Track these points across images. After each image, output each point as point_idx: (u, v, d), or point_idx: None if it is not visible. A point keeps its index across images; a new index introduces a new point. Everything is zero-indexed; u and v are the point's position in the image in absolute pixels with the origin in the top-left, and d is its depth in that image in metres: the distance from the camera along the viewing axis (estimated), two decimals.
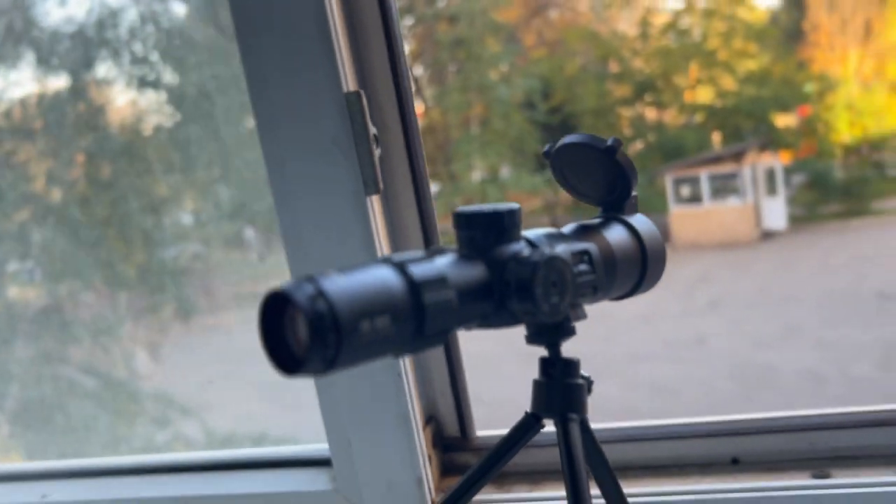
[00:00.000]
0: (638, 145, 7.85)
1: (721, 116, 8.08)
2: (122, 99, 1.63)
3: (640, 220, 0.53)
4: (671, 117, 8.21)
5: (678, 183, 7.38)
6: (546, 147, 0.53)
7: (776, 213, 6.86)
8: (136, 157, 1.60)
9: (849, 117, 7.43)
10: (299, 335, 0.38)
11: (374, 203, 0.66)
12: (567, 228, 0.51)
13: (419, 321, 0.41)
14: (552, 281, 0.45)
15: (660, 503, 0.66)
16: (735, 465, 0.69)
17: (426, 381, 0.76)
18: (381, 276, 0.40)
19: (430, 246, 0.65)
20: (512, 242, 0.46)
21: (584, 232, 0.51)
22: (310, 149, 0.63)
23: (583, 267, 0.48)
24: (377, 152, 0.64)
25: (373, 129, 0.63)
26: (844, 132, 7.50)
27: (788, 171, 7.47)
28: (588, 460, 0.52)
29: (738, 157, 7.14)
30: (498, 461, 0.54)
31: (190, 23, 1.54)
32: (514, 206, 0.46)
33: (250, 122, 1.54)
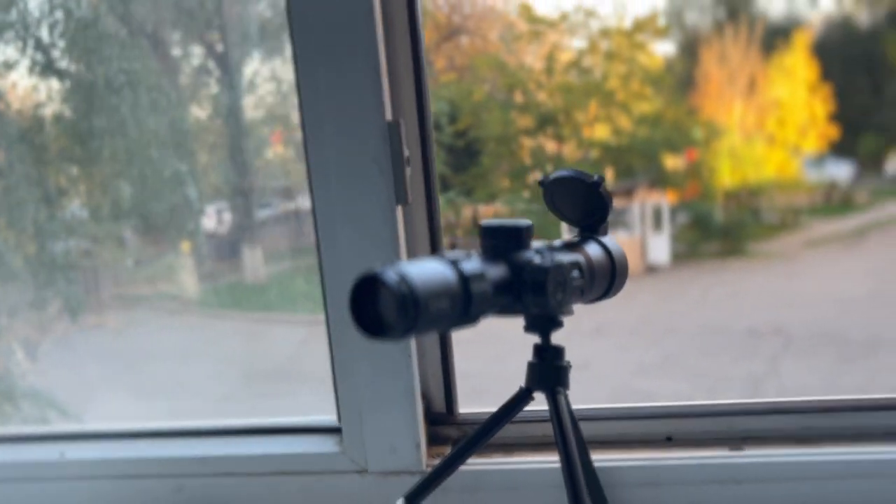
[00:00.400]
0: (537, 175, 8.06)
1: (615, 154, 8.42)
2: (23, 84, 1.59)
3: (610, 241, 0.68)
4: (569, 151, 8.50)
5: None
6: (541, 178, 0.68)
7: (660, 248, 7.22)
8: (34, 145, 1.55)
9: (731, 164, 7.93)
10: (384, 309, 0.50)
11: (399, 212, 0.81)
12: (557, 244, 0.64)
13: (466, 305, 0.52)
14: (559, 282, 0.57)
15: (611, 468, 0.82)
16: (669, 441, 0.85)
17: (421, 362, 0.88)
18: (442, 270, 0.52)
19: (437, 249, 0.84)
20: (526, 250, 0.58)
21: (570, 247, 0.64)
22: (353, 165, 0.78)
23: (576, 273, 0.60)
24: (408, 171, 0.79)
25: (406, 152, 0.79)
26: (726, 178, 7.99)
27: (674, 210, 7.87)
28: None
29: (628, 193, 7.49)
30: (495, 426, 0.70)
31: (101, 15, 1.52)
32: (529, 222, 0.59)
33: (157, 121, 1.52)
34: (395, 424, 0.83)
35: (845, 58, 10.32)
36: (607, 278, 0.66)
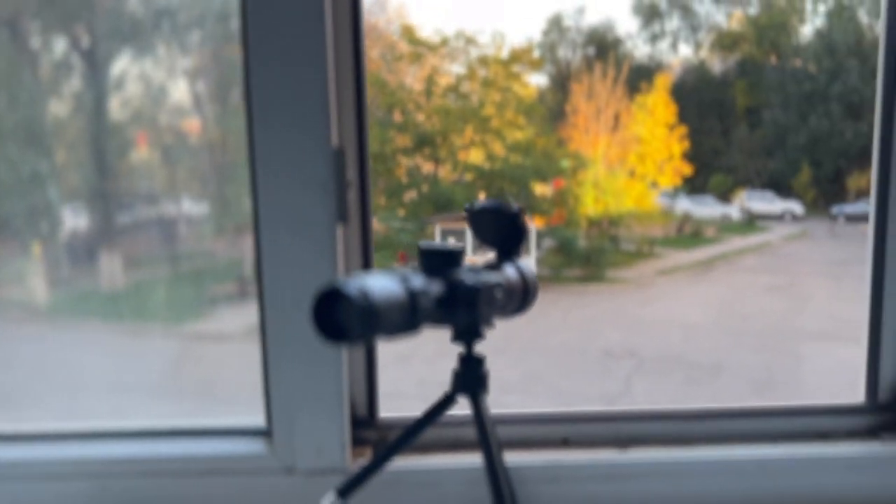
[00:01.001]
0: (412, 194, 8.20)
1: (488, 178, 8.66)
2: None
3: (524, 264, 0.76)
4: (445, 172, 8.68)
5: (445, 233, 7.80)
6: (467, 205, 0.77)
7: None
8: None
9: (594, 194, 8.39)
10: (344, 317, 0.57)
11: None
12: (479, 265, 0.73)
13: (412, 316, 0.60)
14: (487, 299, 0.66)
15: (515, 467, 0.89)
16: (565, 443, 0.94)
17: (348, 369, 0.92)
18: (394, 285, 0.59)
19: (369, 264, 0.92)
20: (460, 270, 0.66)
21: (493, 268, 0.73)
22: (301, 187, 0.84)
23: (499, 292, 0.69)
24: (350, 193, 0.87)
25: (349, 176, 0.87)
26: (590, 206, 8.43)
27: (540, 235, 8.19)
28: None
29: None
30: (421, 427, 0.77)
31: None
32: (462, 246, 0.68)
33: (14, 117, 1.47)
34: (323, 426, 0.88)
35: (699, 102, 11.17)
36: (521, 296, 0.75)
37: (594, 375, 4.66)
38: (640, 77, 9.58)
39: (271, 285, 0.84)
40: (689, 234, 8.93)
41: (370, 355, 0.94)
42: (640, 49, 11.20)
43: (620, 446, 0.94)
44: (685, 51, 12.30)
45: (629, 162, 8.93)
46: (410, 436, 0.79)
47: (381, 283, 0.59)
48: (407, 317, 0.60)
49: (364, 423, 0.95)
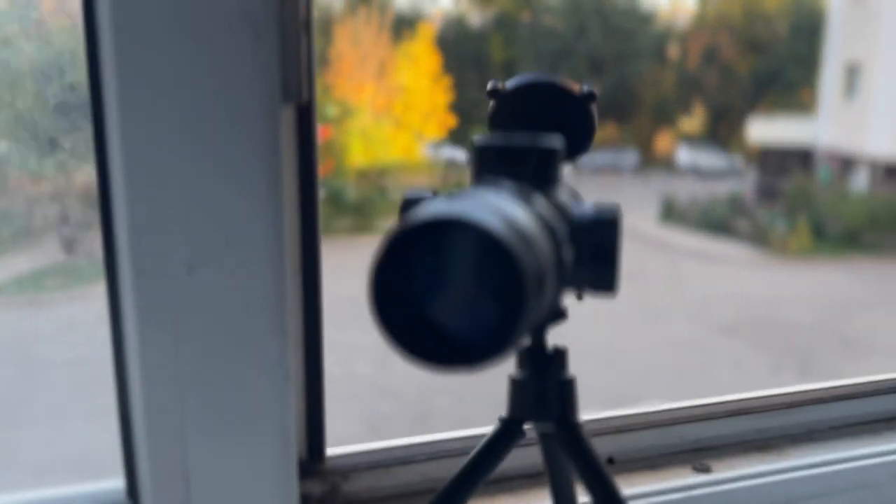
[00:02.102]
0: None
1: None
2: None
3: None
4: None
5: None
6: (491, 85, 0.43)
7: None
8: None
9: (362, 144, 8.28)
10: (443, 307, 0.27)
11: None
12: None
13: (561, 270, 0.32)
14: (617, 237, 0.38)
15: None
16: (611, 463, 0.66)
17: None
18: (524, 214, 0.30)
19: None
20: (557, 186, 0.38)
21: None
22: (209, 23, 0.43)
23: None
24: (306, 46, 0.46)
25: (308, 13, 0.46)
26: (358, 156, 8.31)
27: None
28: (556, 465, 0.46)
29: None
30: (476, 481, 0.43)
31: None
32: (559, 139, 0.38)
33: None
34: (252, 488, 0.52)
35: (460, 54, 11.42)
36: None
37: (368, 327, 4.57)
38: (403, 26, 9.54)
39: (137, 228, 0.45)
40: (454, 183, 9.16)
41: (313, 361, 0.58)
42: None
43: (695, 463, 0.66)
44: (445, 3, 12.49)
45: (395, 111, 8.90)
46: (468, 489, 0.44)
47: (515, 211, 0.29)
48: (555, 277, 0.31)
49: (304, 470, 0.58)
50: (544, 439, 0.44)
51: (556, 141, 0.37)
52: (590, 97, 0.43)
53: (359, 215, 7.78)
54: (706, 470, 0.65)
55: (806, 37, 11.23)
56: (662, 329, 4.49)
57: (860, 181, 9.25)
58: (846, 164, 9.52)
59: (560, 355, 0.43)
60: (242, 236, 0.46)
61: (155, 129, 0.44)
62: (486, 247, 0.27)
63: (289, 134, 0.51)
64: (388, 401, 3.31)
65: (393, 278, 0.28)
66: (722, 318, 4.70)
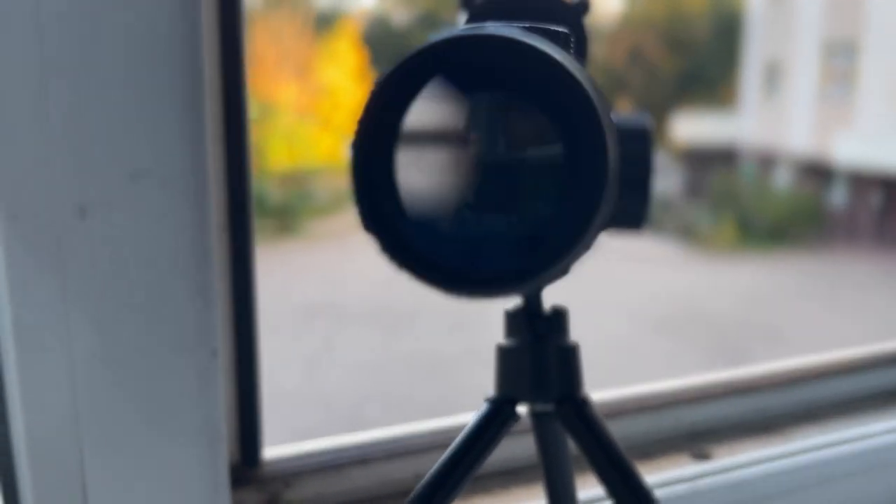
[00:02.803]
0: None
1: None
2: None
3: None
4: None
5: None
6: None
7: None
8: None
9: (285, 146, 7.98)
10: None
11: None
12: None
13: None
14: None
15: None
16: None
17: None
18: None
19: None
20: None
21: None
22: None
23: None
24: None
25: None
26: (281, 158, 8.01)
27: None
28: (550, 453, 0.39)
29: None
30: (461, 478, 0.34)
31: None
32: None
33: None
34: (171, 502, 0.41)
35: (386, 51, 11.26)
36: None
37: (295, 333, 4.34)
38: (325, 23, 9.29)
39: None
40: None
41: (246, 347, 0.48)
42: None
43: (694, 451, 0.60)
44: (367, 2, 12.31)
45: (321, 111, 8.64)
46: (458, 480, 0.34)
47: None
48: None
49: (236, 476, 0.49)
50: (539, 421, 0.37)
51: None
52: (583, 7, 0.37)
53: (283, 218, 7.51)
54: (706, 457, 0.59)
55: (726, 36, 11.51)
56: (592, 328, 4.39)
57: (782, 177, 9.48)
58: (768, 161, 9.75)
59: (560, 317, 0.36)
60: (151, 168, 0.36)
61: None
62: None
63: (210, 22, 0.41)
64: (315, 411, 3.07)
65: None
66: (651, 314, 4.64)
